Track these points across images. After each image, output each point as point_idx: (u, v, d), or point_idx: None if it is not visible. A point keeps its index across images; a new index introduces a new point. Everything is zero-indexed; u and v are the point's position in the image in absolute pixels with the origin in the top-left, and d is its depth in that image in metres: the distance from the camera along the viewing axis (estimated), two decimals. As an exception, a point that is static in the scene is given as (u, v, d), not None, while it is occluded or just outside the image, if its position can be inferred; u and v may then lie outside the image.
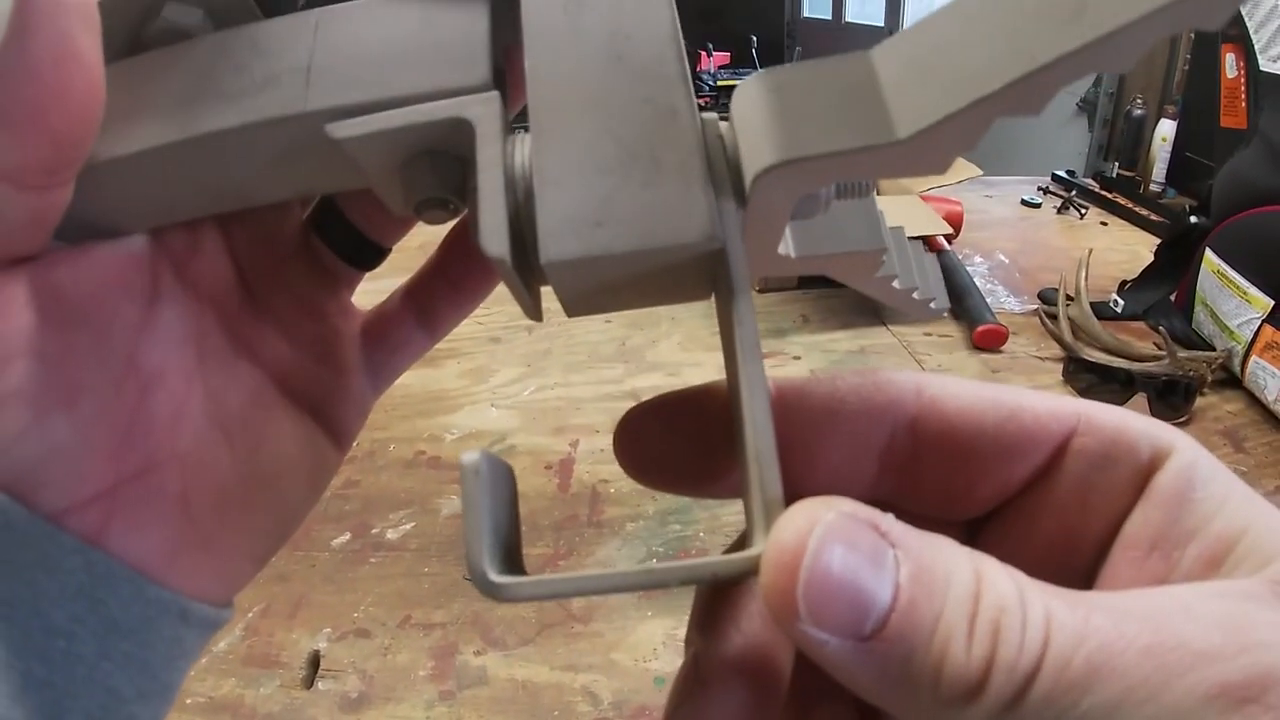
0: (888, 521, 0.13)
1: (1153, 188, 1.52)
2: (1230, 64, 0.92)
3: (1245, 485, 0.15)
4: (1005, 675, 0.12)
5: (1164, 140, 1.50)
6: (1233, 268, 0.84)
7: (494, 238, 0.15)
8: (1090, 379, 0.81)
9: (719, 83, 2.38)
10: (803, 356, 0.87)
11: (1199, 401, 0.80)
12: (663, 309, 0.94)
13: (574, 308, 0.17)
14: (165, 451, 0.19)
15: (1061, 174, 1.51)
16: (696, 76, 3.31)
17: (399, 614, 0.56)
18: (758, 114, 0.14)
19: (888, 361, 0.87)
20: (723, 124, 0.16)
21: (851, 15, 4.18)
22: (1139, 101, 1.73)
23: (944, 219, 0.97)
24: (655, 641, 0.54)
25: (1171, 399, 0.78)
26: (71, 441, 0.17)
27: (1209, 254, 0.88)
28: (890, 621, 0.12)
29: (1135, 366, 0.80)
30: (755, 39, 2.92)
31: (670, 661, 0.52)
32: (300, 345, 0.22)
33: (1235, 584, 0.13)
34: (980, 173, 1.01)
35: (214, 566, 0.20)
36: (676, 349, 0.88)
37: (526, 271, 0.16)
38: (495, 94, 0.17)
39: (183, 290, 0.20)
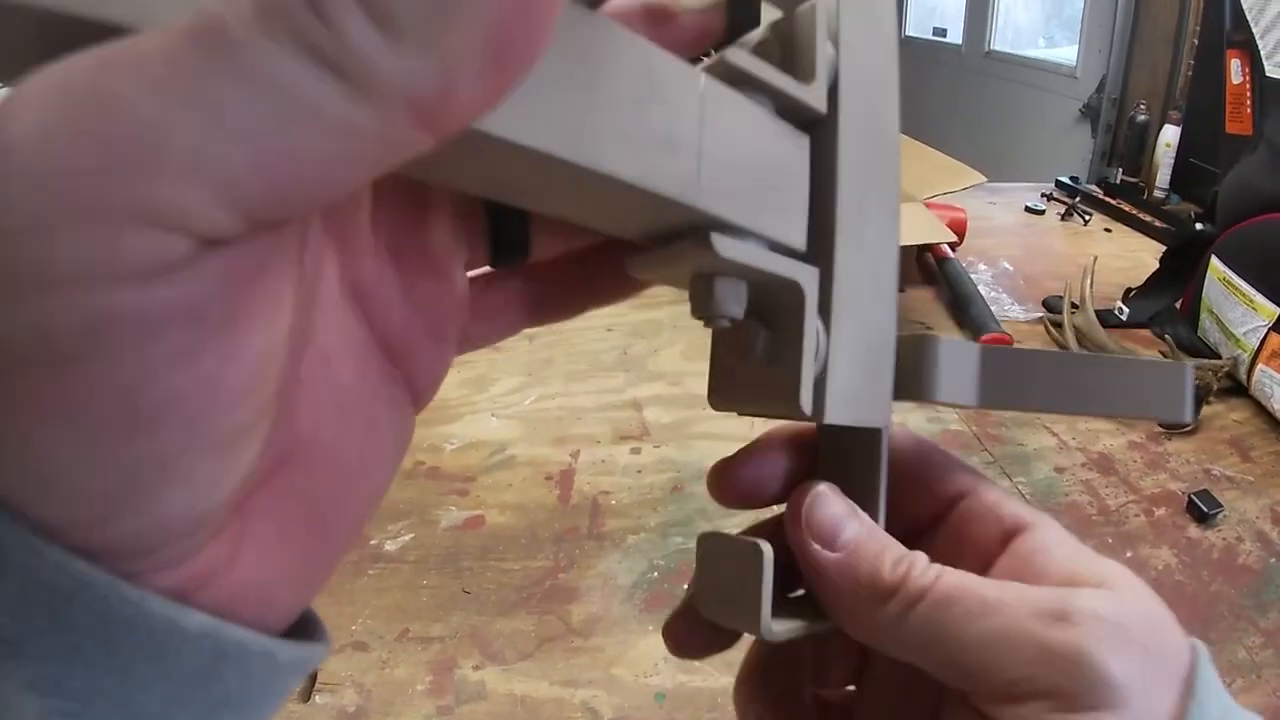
0: (858, 509, 0.22)
1: (1156, 194, 1.51)
2: (1235, 70, 0.91)
3: (1086, 549, 0.21)
4: (912, 584, 0.19)
5: (1168, 146, 1.50)
6: (1239, 275, 0.83)
7: (808, 399, 0.20)
8: (1096, 388, 0.80)
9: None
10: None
11: (1205, 410, 0.79)
12: (663, 316, 0.94)
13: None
14: (290, 437, 0.15)
15: (1065, 180, 1.51)
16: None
17: (397, 627, 0.55)
18: (914, 357, 0.22)
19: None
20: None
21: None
22: (1142, 107, 1.72)
23: (948, 226, 0.96)
24: (656, 657, 0.53)
25: (1178, 408, 0.77)
26: (248, 471, 0.13)
27: (1215, 261, 0.87)
28: (852, 544, 0.21)
29: (1141, 375, 0.79)
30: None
31: (671, 677, 0.52)
32: (415, 308, 0.19)
33: (1063, 587, 0.20)
34: (984, 179, 1.01)
35: (329, 554, 0.17)
36: (679, 358, 0.87)
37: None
38: (817, 271, 0.20)
39: (320, 240, 0.16)
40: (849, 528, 0.21)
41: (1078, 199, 1.42)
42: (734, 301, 0.19)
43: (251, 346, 0.12)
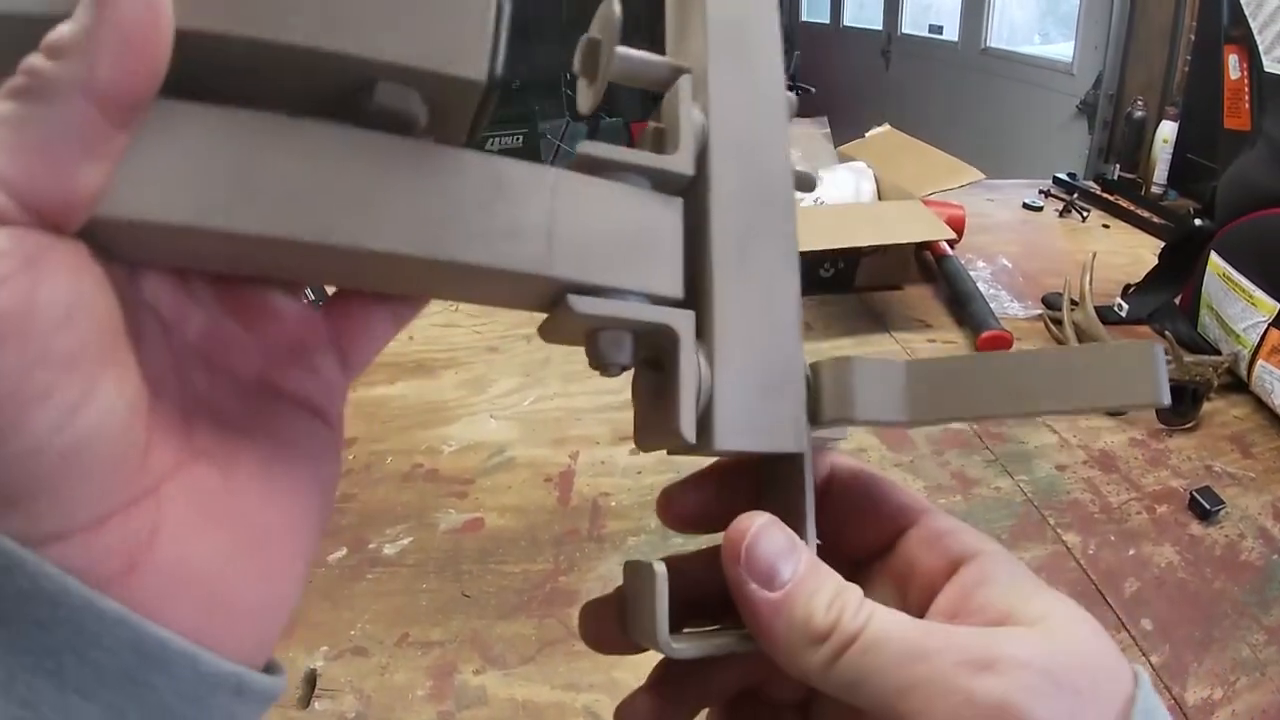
0: (800, 541, 0.22)
1: (1154, 189, 1.51)
2: (1234, 65, 0.91)
3: (1030, 580, 0.22)
4: (843, 629, 0.20)
5: (1165, 141, 1.50)
6: (1238, 271, 0.83)
7: (689, 428, 0.21)
8: (1096, 385, 0.80)
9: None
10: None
11: (1205, 406, 0.79)
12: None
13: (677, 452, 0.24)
14: (193, 448, 0.18)
15: (1063, 177, 1.51)
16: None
17: (396, 632, 0.55)
18: (833, 383, 0.23)
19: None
20: (809, 366, 0.24)
21: (849, 19, 4.19)
22: (1139, 103, 1.72)
23: (946, 223, 0.96)
24: (658, 659, 0.53)
25: (1178, 405, 0.77)
26: (125, 417, 0.16)
27: (1214, 257, 0.87)
28: (789, 585, 0.21)
29: (1141, 372, 0.79)
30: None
31: (673, 680, 0.51)
32: (270, 348, 0.21)
33: (992, 629, 0.20)
34: (982, 177, 1.01)
35: (265, 566, 0.19)
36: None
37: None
38: (692, 314, 0.22)
39: (148, 312, 0.20)
40: (786, 567, 0.21)
41: (1075, 195, 1.42)
42: (616, 350, 0.22)
43: (53, 283, 0.15)
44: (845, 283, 1.02)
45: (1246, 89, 0.90)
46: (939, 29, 3.49)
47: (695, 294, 0.23)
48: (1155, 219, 1.32)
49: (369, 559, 0.61)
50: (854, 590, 0.21)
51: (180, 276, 0.20)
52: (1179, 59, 1.77)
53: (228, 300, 0.21)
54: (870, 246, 0.96)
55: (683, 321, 0.22)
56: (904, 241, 0.96)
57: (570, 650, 0.53)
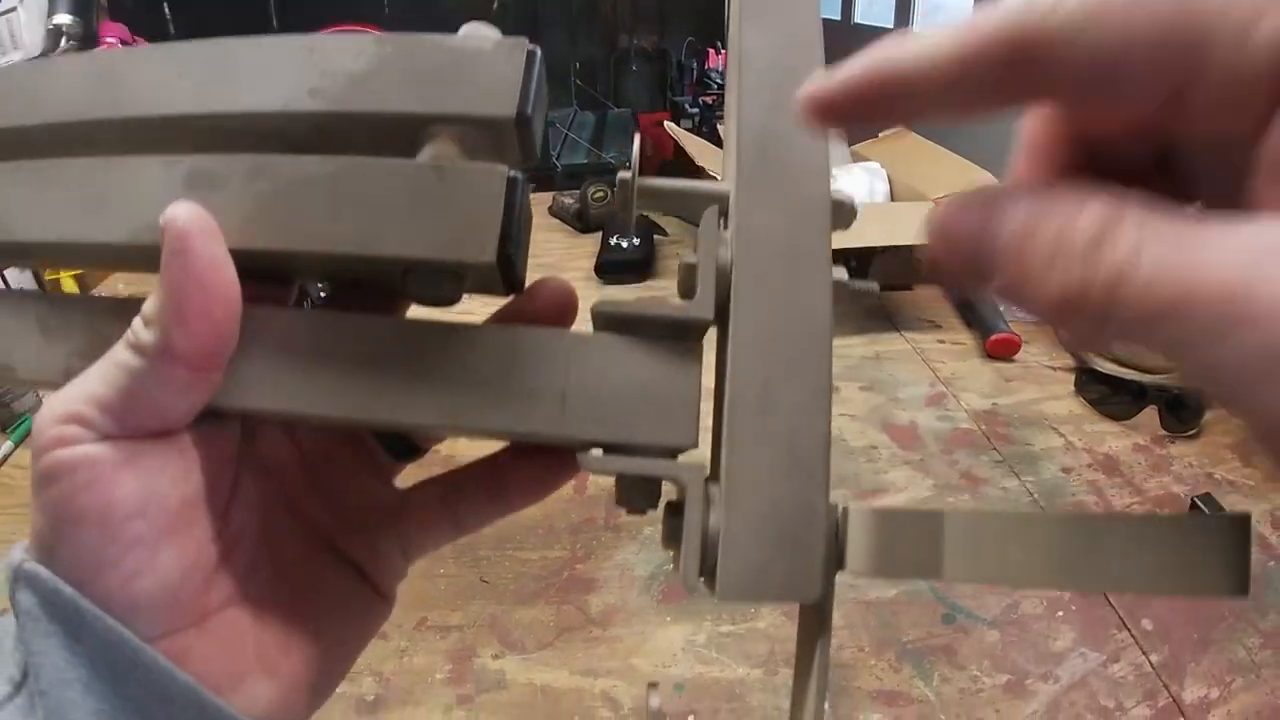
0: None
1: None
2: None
3: None
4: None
5: (1173, 149, 1.50)
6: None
7: (692, 580, 0.21)
8: (1102, 390, 0.81)
9: (728, 81, 2.36)
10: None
11: (1208, 414, 0.80)
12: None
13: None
14: (242, 593, 0.23)
15: (1070, 181, 1.51)
16: (705, 74, 3.30)
17: (415, 615, 0.56)
18: (862, 534, 0.21)
19: (902, 368, 0.88)
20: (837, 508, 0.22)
21: (860, 16, 4.16)
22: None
23: (956, 226, 0.97)
24: (675, 647, 0.54)
25: (1181, 411, 0.78)
26: (177, 582, 0.21)
27: (1221, 267, 0.88)
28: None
29: (1146, 378, 0.80)
30: (764, 37, 2.90)
31: (690, 667, 0.53)
32: (345, 515, 0.26)
33: None
34: (994, 180, 1.02)
35: (279, 694, 0.23)
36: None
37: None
38: (705, 468, 0.22)
39: (254, 466, 0.25)
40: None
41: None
42: (636, 496, 0.22)
43: (131, 486, 0.20)
44: (855, 282, 1.03)
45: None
46: (949, 28, 3.49)
47: (717, 433, 0.22)
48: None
49: (388, 543, 0.62)
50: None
51: (294, 440, 0.26)
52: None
53: (327, 464, 0.26)
54: (883, 246, 0.97)
55: (690, 475, 0.21)
56: (917, 243, 0.97)
57: (588, 636, 0.55)
